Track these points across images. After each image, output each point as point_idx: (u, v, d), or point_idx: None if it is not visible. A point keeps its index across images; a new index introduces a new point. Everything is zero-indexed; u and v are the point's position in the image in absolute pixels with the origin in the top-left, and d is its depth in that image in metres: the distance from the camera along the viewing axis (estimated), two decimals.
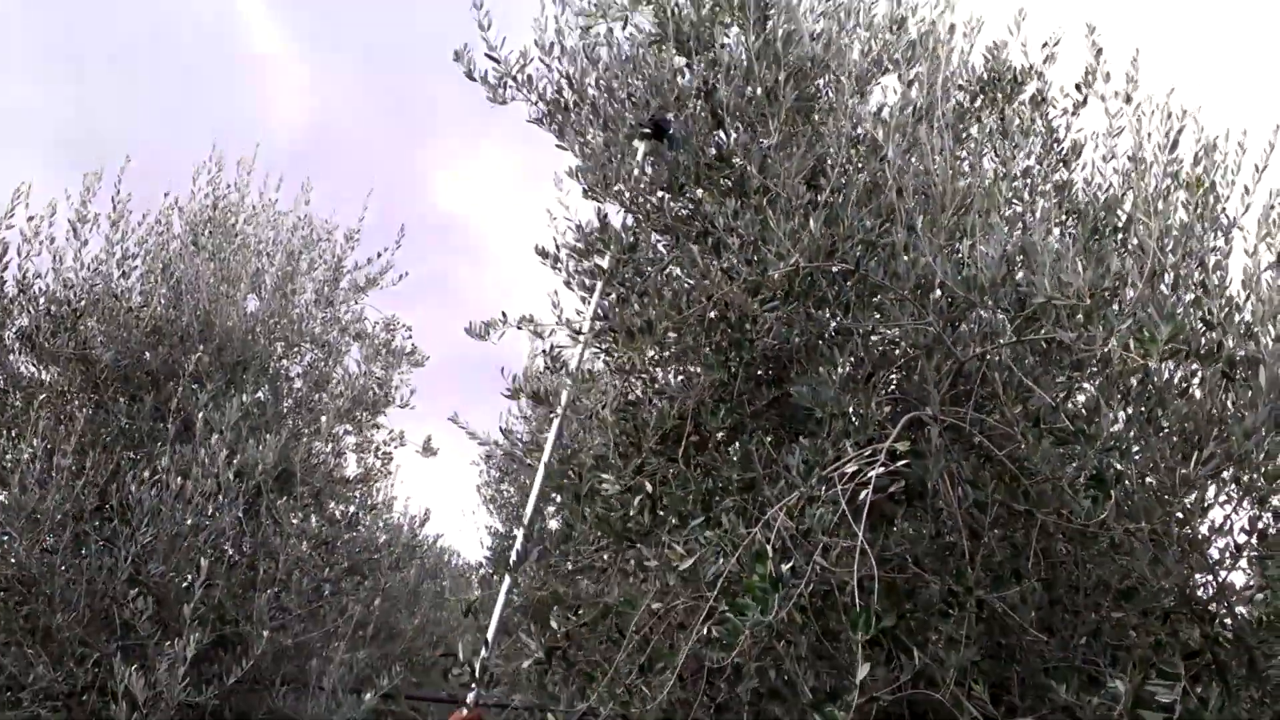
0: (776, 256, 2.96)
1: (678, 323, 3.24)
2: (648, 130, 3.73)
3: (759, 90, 3.45)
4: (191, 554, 4.30)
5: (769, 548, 2.45)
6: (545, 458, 3.55)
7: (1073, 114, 3.38)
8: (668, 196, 3.78)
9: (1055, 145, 3.36)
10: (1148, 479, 2.63)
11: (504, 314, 3.80)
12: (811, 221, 2.91)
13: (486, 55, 3.49)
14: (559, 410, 3.62)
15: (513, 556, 3.42)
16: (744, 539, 2.62)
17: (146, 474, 4.36)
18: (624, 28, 4.25)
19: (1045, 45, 3.49)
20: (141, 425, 5.06)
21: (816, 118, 3.68)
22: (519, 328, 4.03)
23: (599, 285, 3.64)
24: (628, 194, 3.76)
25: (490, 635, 3.26)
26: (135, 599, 3.99)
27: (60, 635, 4.18)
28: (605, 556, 3.47)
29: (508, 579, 3.39)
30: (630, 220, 3.80)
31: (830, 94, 3.76)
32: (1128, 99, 3.04)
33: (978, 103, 3.65)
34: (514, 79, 3.57)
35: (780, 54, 3.46)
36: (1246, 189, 2.95)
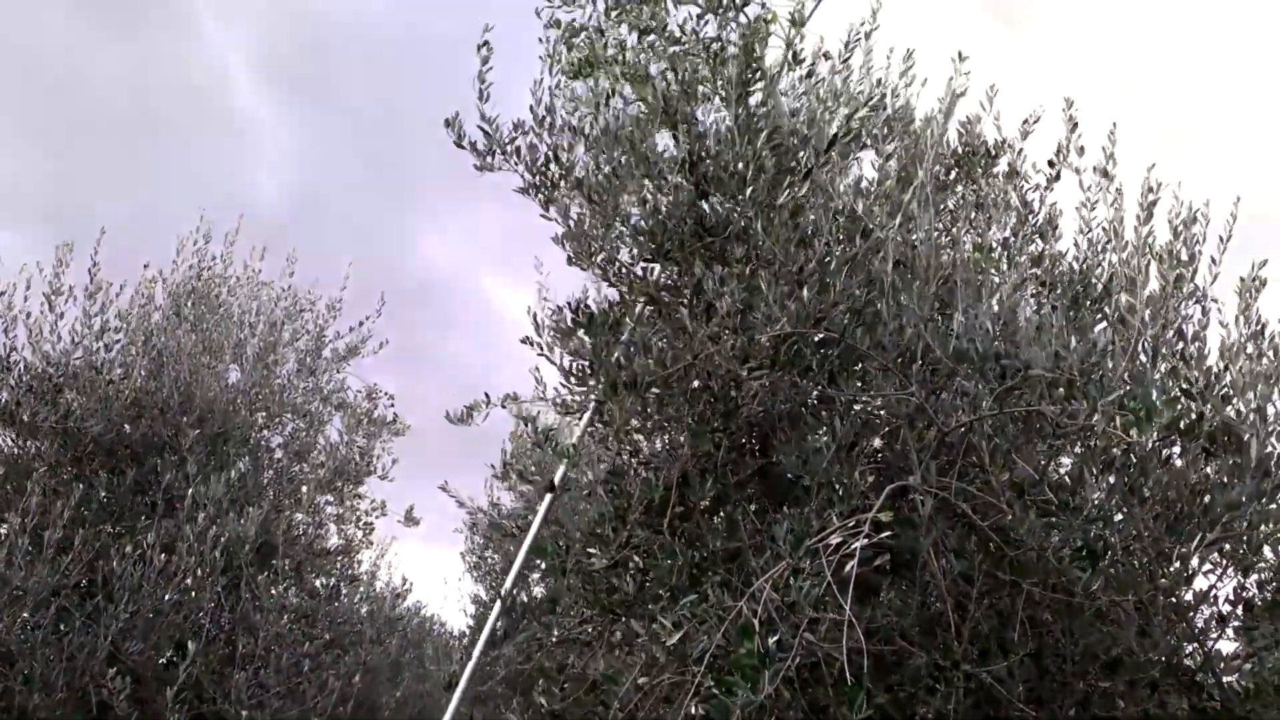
0: (765, 320, 2.99)
1: (662, 379, 3.25)
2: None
3: (741, 164, 3.51)
4: (172, 631, 4.23)
5: (755, 621, 2.44)
6: (531, 536, 3.54)
7: (1046, 188, 3.46)
8: (653, 267, 3.82)
9: (1030, 217, 3.42)
10: (1132, 548, 2.64)
11: (486, 395, 3.81)
12: (805, 290, 2.95)
13: (479, 126, 3.54)
14: (555, 487, 3.63)
15: (483, 637, 3.40)
16: (730, 612, 2.61)
17: (130, 550, 4.30)
18: (608, 101, 4.34)
19: (1026, 122, 3.57)
20: (123, 499, 5.00)
21: (800, 190, 3.74)
22: (503, 406, 4.03)
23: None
24: (611, 265, 3.80)
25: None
26: (113, 678, 3.91)
27: (37, 716, 4.08)
28: (590, 629, 3.44)
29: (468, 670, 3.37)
30: (613, 293, 3.83)
31: (809, 166, 3.82)
32: (1105, 174, 3.11)
33: (953, 175, 3.72)
34: (503, 149, 3.62)
35: (761, 128, 3.53)
36: (1213, 259, 3.01)
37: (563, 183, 3.76)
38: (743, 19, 4.09)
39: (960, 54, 3.63)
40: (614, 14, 4.63)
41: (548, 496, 3.61)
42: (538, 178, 3.74)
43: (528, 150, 3.66)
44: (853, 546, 2.53)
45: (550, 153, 3.61)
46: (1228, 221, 3.00)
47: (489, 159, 3.61)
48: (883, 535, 2.51)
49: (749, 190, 3.35)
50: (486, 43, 3.48)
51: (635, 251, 3.82)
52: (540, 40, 3.91)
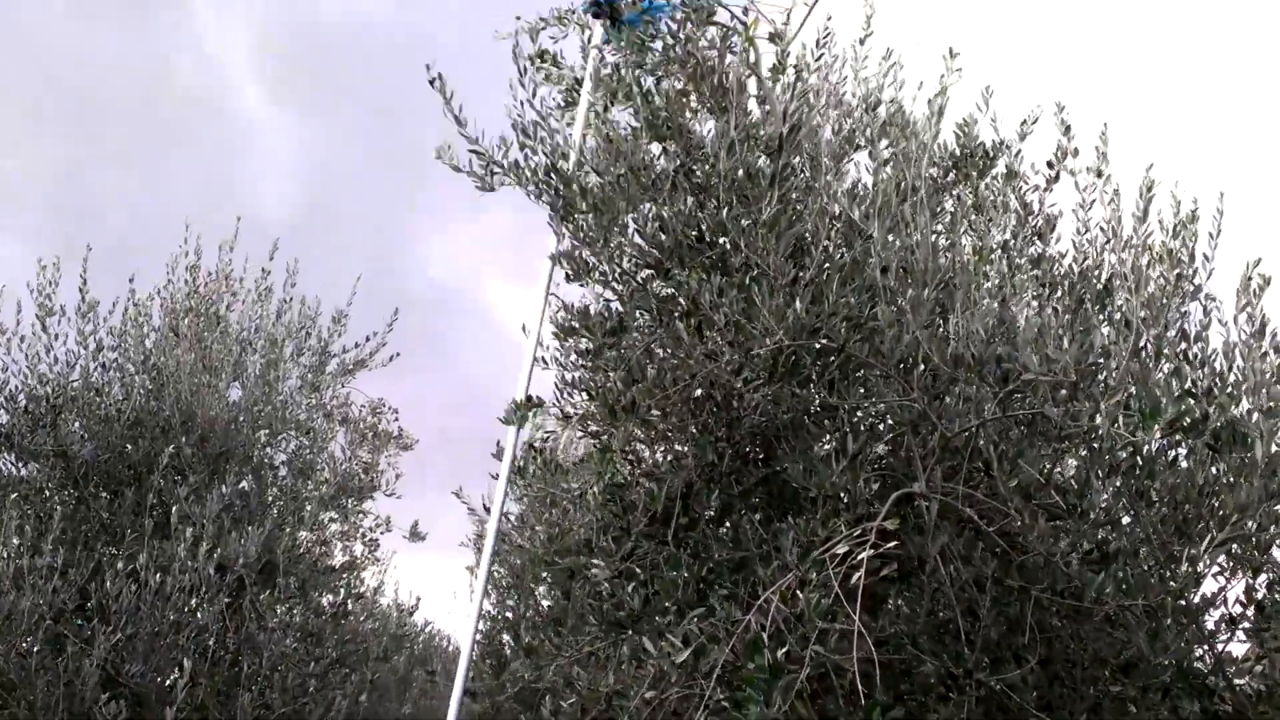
0: (762, 333, 2.98)
1: (661, 401, 3.24)
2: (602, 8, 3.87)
3: (740, 171, 3.50)
4: (173, 653, 4.21)
5: (764, 635, 2.42)
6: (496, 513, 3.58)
7: (1045, 189, 3.44)
8: (651, 275, 3.81)
9: (1030, 219, 3.41)
10: (1140, 551, 2.62)
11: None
12: (797, 300, 2.93)
13: (470, 150, 3.54)
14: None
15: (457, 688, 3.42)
16: (738, 625, 2.59)
17: (125, 570, 4.28)
18: (604, 112, 4.33)
19: (1024, 123, 3.56)
20: (123, 520, 4.98)
21: (794, 196, 3.73)
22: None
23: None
24: (611, 276, 3.79)
25: None
26: (108, 702, 3.88)
27: None
28: (598, 645, 3.42)
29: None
30: (615, 304, 3.83)
31: (806, 172, 3.81)
32: (1098, 174, 3.09)
33: (950, 178, 3.70)
34: (500, 165, 3.61)
35: (751, 136, 3.51)
36: (1206, 256, 3.00)
37: (564, 194, 3.75)
38: (720, 29, 4.10)
39: (951, 50, 3.62)
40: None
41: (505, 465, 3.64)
42: (541, 187, 3.74)
43: (526, 163, 3.66)
44: (859, 556, 2.51)
45: (549, 162, 3.60)
46: (1214, 217, 2.99)
47: (487, 179, 3.61)
48: (889, 545, 2.49)
49: (733, 199, 3.34)
50: (439, 75, 3.49)
51: (635, 261, 3.81)
52: (522, 64, 3.90)
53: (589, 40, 4.47)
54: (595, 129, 4.01)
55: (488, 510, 4.22)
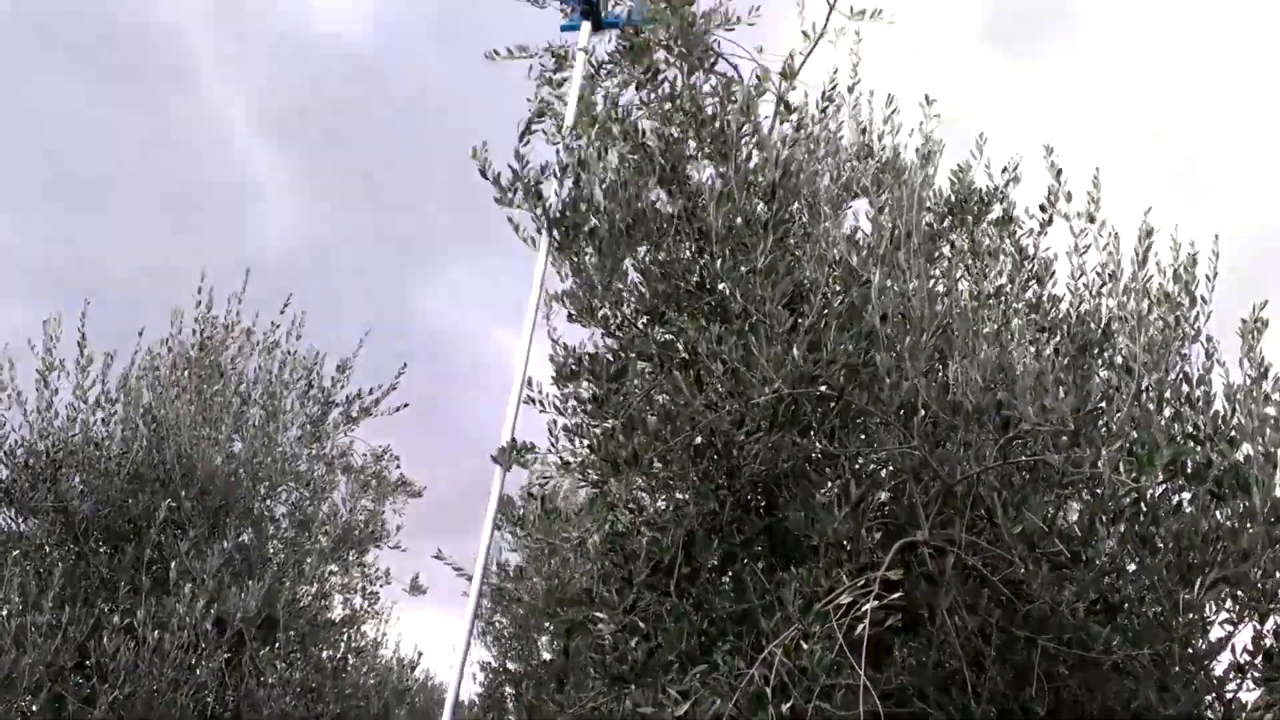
0: (761, 381, 2.97)
1: (663, 453, 3.23)
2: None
3: (739, 219, 3.52)
4: (172, 710, 4.15)
5: (768, 689, 2.39)
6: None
7: (1040, 233, 3.45)
8: (650, 321, 3.81)
9: (1026, 263, 3.41)
10: (1146, 598, 2.59)
11: (517, 440, 3.86)
12: (795, 348, 2.93)
13: (509, 164, 3.59)
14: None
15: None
16: (742, 678, 2.56)
17: (123, 626, 4.25)
18: (602, 158, 4.37)
19: (1011, 168, 3.58)
20: (123, 575, 4.95)
21: (792, 242, 3.74)
22: (522, 457, 4.03)
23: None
24: (612, 320, 3.80)
25: None
26: None
27: None
28: (600, 701, 3.37)
29: None
30: (615, 346, 3.83)
31: (804, 219, 3.83)
32: (1090, 218, 3.10)
33: (946, 223, 3.72)
34: (526, 188, 3.64)
35: (751, 182, 3.54)
36: (1203, 298, 3.00)
37: (576, 232, 3.77)
38: (720, 77, 4.15)
39: (927, 98, 3.67)
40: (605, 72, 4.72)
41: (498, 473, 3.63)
42: (553, 223, 3.76)
43: (552, 195, 3.69)
44: (863, 607, 2.48)
45: (570, 200, 3.63)
46: (1210, 259, 3.01)
47: (511, 194, 3.63)
48: (894, 596, 2.47)
49: (725, 251, 3.36)
50: (485, 153, 3.56)
51: (637, 306, 3.82)
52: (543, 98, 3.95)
53: (577, 51, 4.55)
54: (596, 173, 4.04)
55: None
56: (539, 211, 3.70)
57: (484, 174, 3.65)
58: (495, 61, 4.76)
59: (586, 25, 4.57)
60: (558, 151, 3.74)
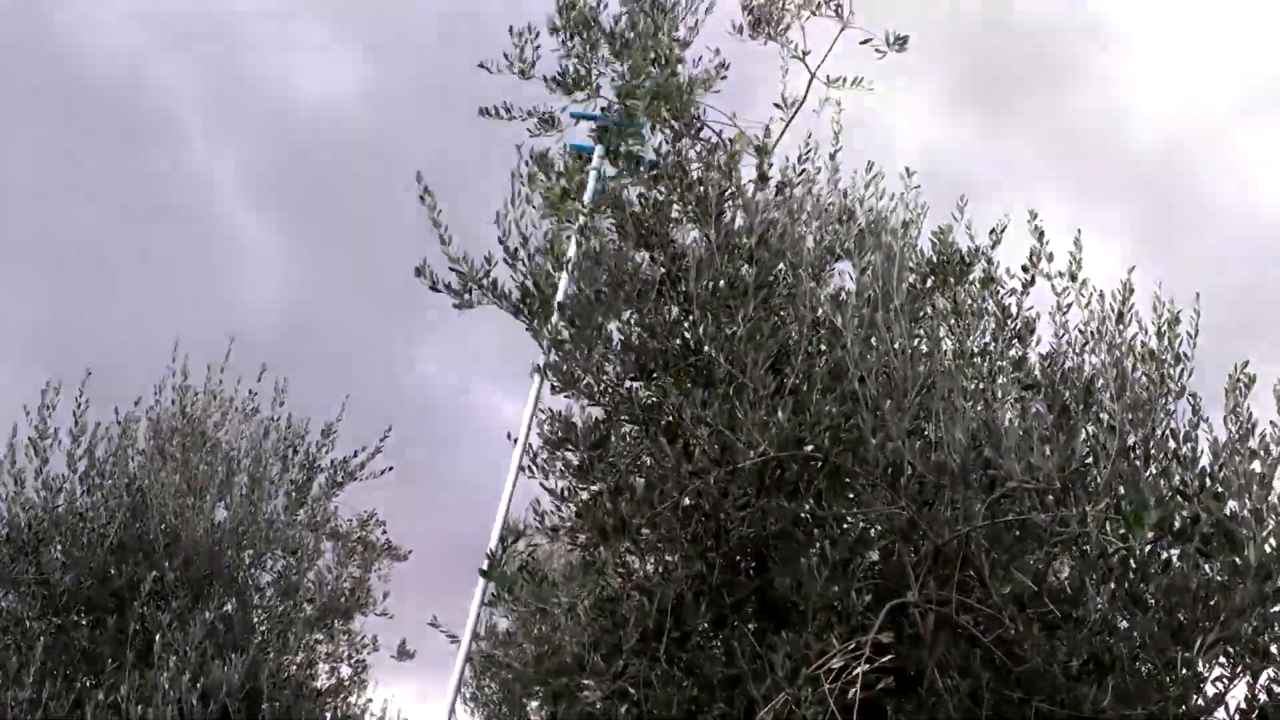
0: (746, 445, 2.97)
1: (651, 518, 3.22)
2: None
3: (721, 282, 3.55)
4: None
5: None
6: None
7: (1022, 293, 3.49)
8: (636, 386, 3.82)
9: (1009, 322, 3.44)
10: (1138, 656, 2.57)
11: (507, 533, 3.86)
12: (779, 411, 2.93)
13: (451, 268, 3.58)
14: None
15: None
16: None
17: (106, 701, 4.16)
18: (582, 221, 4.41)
19: (993, 232, 3.64)
20: (105, 649, 4.86)
21: (777, 302, 3.77)
22: (514, 542, 4.02)
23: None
24: (596, 387, 3.80)
25: None
26: None
27: None
28: None
29: None
30: (599, 413, 3.83)
31: (789, 280, 3.87)
32: (1073, 277, 3.14)
33: (929, 283, 3.75)
34: (479, 284, 3.65)
35: (744, 242, 3.58)
36: (1186, 355, 3.03)
37: (542, 310, 3.79)
38: (703, 144, 4.21)
39: (908, 170, 3.77)
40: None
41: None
42: (518, 306, 3.78)
43: (505, 283, 3.70)
44: (855, 671, 2.46)
45: (525, 283, 3.64)
46: (1192, 317, 3.04)
47: (466, 296, 3.64)
48: (885, 659, 2.44)
49: (708, 315, 3.38)
50: (426, 189, 3.54)
51: (620, 370, 3.83)
52: (515, 175, 3.98)
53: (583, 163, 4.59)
54: (577, 241, 4.08)
55: (474, 633, 4.15)
56: (502, 304, 3.71)
57: (434, 288, 3.67)
58: (489, 119, 4.79)
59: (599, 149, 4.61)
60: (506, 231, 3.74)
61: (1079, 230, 3.14)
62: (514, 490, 3.93)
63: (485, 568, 3.46)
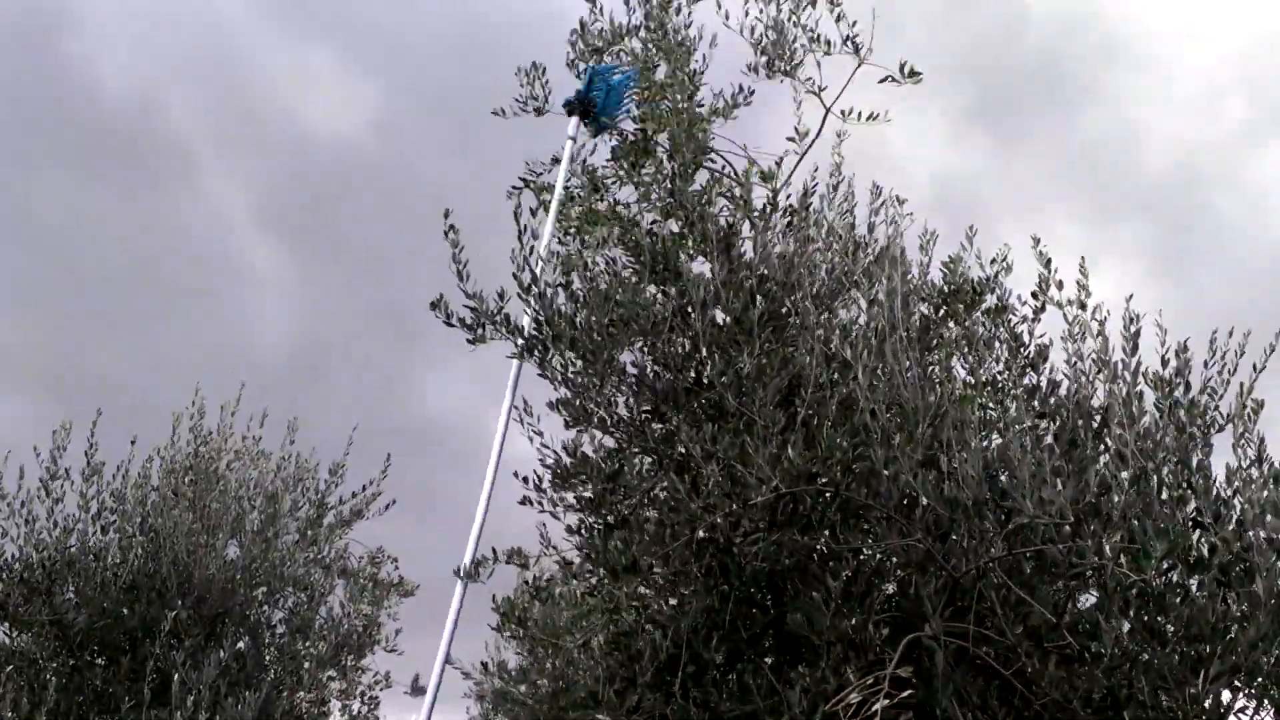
0: (758, 481, 2.96)
1: (662, 556, 3.21)
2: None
3: (728, 318, 3.55)
4: None
5: None
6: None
7: (1033, 320, 3.48)
8: (648, 418, 3.82)
9: (1020, 351, 3.44)
10: (1159, 690, 2.54)
11: (494, 550, 3.84)
12: (790, 446, 2.92)
13: (465, 305, 3.60)
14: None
15: None
16: None
17: None
18: (595, 255, 4.43)
19: (994, 261, 3.65)
20: (119, 688, 4.85)
21: (789, 335, 3.77)
22: (508, 562, 4.01)
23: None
24: (609, 420, 3.80)
25: None
26: None
27: None
28: None
29: None
30: (611, 444, 3.83)
31: (799, 312, 3.87)
32: (1081, 305, 3.14)
33: (941, 313, 3.75)
34: (492, 321, 3.66)
35: (747, 282, 3.58)
36: (1188, 384, 3.02)
37: (555, 344, 3.79)
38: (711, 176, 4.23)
39: (898, 197, 3.79)
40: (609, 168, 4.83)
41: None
42: (531, 342, 3.78)
43: (519, 318, 3.71)
44: (874, 707, 2.44)
45: (539, 317, 3.64)
46: (1209, 343, 3.03)
47: (480, 332, 3.65)
48: (904, 695, 2.42)
49: (714, 352, 3.39)
50: (452, 226, 3.56)
51: (632, 403, 3.83)
52: (531, 208, 4.00)
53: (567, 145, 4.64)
54: (579, 272, 4.09)
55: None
56: (517, 340, 3.72)
57: (449, 323, 3.69)
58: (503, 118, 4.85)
59: (574, 119, 4.68)
60: (526, 262, 3.76)
61: (1082, 258, 3.14)
62: (484, 524, 3.93)
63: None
